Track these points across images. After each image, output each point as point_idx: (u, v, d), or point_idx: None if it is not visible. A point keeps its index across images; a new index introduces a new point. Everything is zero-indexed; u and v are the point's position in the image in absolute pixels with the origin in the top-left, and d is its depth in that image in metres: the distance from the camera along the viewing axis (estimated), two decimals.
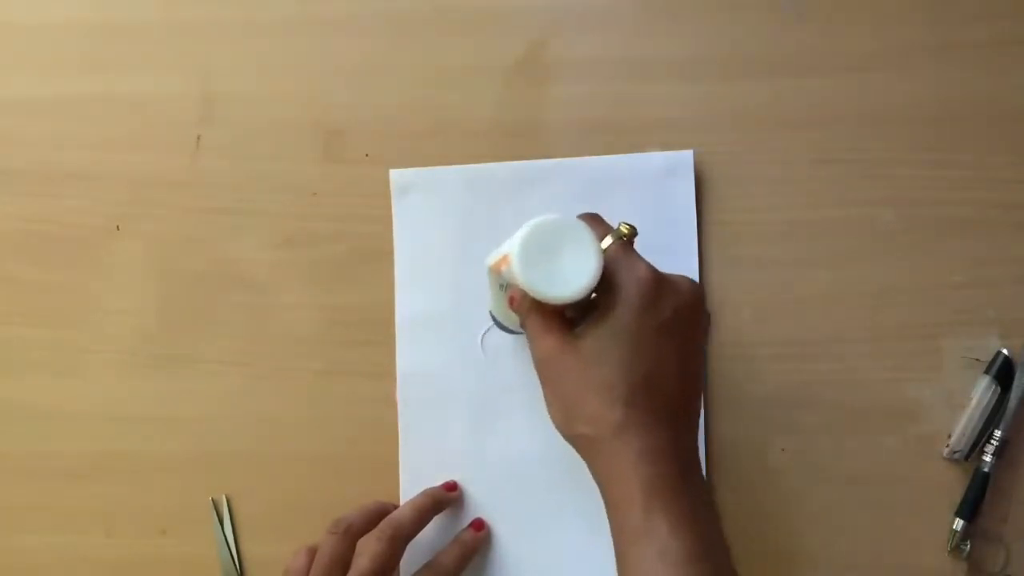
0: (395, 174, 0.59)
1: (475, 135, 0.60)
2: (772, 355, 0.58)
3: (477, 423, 0.58)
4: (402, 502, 0.57)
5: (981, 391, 0.56)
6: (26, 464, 0.61)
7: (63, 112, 0.62)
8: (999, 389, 0.56)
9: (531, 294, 0.42)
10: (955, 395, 0.57)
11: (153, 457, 0.60)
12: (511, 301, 0.48)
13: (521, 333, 0.54)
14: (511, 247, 0.43)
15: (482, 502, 0.58)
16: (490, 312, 0.57)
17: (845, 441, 0.57)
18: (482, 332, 0.58)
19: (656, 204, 0.58)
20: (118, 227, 0.61)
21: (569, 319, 0.46)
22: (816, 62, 0.59)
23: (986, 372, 0.56)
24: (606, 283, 0.43)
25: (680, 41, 0.59)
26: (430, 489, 0.57)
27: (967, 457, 0.56)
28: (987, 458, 0.55)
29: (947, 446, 0.56)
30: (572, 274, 0.42)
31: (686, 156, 0.58)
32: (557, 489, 0.57)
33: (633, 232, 0.45)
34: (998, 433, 0.55)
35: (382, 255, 0.59)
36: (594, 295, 0.44)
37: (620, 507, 0.42)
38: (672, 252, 0.58)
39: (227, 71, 0.61)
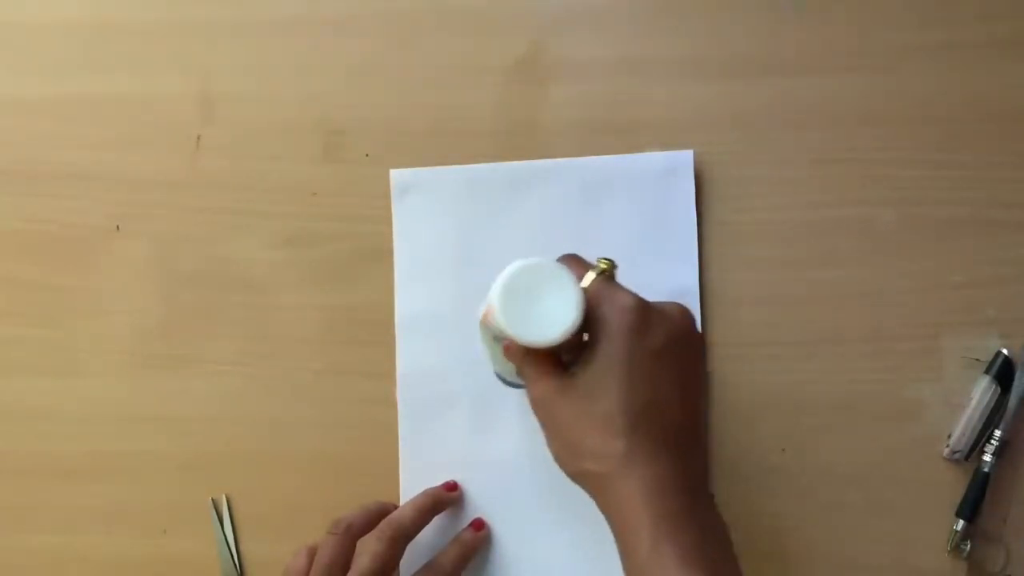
0: (395, 174, 0.59)
1: (475, 135, 0.60)
2: (772, 355, 0.58)
3: (477, 423, 0.58)
4: (402, 502, 0.57)
5: (981, 391, 0.56)
6: (26, 464, 0.61)
7: (63, 112, 0.62)
8: (999, 389, 0.56)
9: (517, 341, 0.42)
10: (955, 395, 0.57)
11: (153, 457, 0.60)
12: (506, 351, 0.47)
13: (522, 386, 0.54)
14: (491, 296, 0.43)
15: (482, 502, 0.58)
16: (494, 372, 0.56)
17: (845, 441, 0.57)
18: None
19: (656, 204, 0.58)
20: (118, 227, 0.61)
21: (565, 363, 0.46)
22: (816, 62, 0.59)
23: (986, 372, 0.56)
24: (592, 320, 0.43)
25: (680, 41, 0.59)
26: (430, 489, 0.57)
27: (967, 457, 0.56)
28: (987, 458, 0.55)
29: (947, 446, 0.56)
30: (555, 316, 0.42)
31: (686, 156, 0.58)
32: (557, 489, 0.57)
33: (612, 266, 0.45)
34: (998, 433, 0.55)
35: (382, 255, 0.59)
36: (586, 336, 0.44)
37: (628, 540, 0.42)
38: (672, 252, 0.58)
39: (227, 71, 0.61)
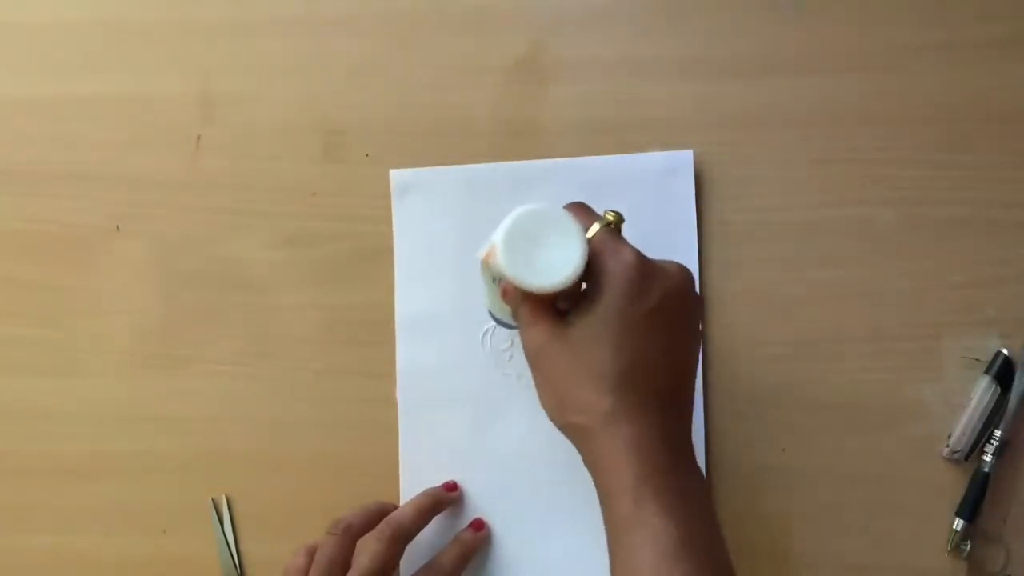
0: (395, 174, 0.59)
1: (475, 135, 0.60)
2: (772, 355, 0.58)
3: (477, 423, 0.58)
4: (402, 502, 0.57)
5: (981, 391, 0.56)
6: (26, 464, 0.61)
7: (63, 112, 0.62)
8: (999, 389, 0.56)
9: (517, 284, 0.42)
10: (955, 395, 0.57)
11: (153, 457, 0.60)
12: (503, 293, 0.48)
13: (515, 327, 0.54)
14: (495, 238, 0.43)
15: (482, 502, 0.58)
16: (487, 308, 0.56)
17: (845, 441, 0.57)
18: (482, 332, 0.58)
19: (656, 204, 0.58)
20: (118, 227, 0.61)
21: (561, 310, 0.46)
22: (816, 62, 0.59)
23: (986, 372, 0.56)
24: (593, 270, 0.43)
25: (680, 41, 0.59)
26: (430, 489, 0.57)
27: (967, 457, 0.56)
28: (987, 458, 0.55)
29: (947, 446, 0.56)
30: (557, 263, 0.42)
31: (686, 156, 0.58)
32: (557, 489, 0.57)
33: (619, 219, 0.45)
34: (998, 433, 0.55)
35: (382, 255, 0.59)
36: (584, 285, 0.44)
37: (611, 496, 0.42)
38: (672, 252, 0.57)
39: (227, 71, 0.61)
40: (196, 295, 0.60)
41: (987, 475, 0.55)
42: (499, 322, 0.56)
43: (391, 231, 0.59)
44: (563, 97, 0.60)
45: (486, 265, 0.48)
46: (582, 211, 0.47)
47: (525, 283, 0.42)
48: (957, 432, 0.56)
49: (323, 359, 0.60)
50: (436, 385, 0.58)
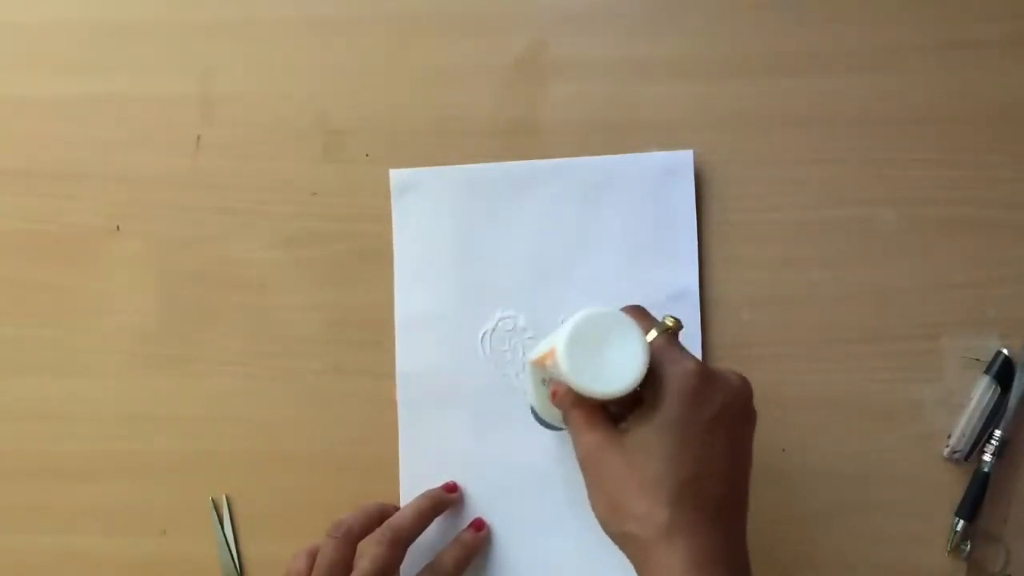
0: (395, 174, 0.59)
1: (475, 135, 0.60)
2: (772, 355, 0.58)
3: (477, 423, 0.58)
4: (402, 502, 0.57)
5: (981, 391, 0.56)
6: (26, 464, 0.61)
7: (63, 112, 0.62)
8: (999, 389, 0.56)
9: (577, 389, 0.41)
10: (955, 395, 0.57)
11: (153, 457, 0.60)
12: (553, 395, 0.47)
13: (562, 429, 0.53)
14: (557, 342, 0.42)
15: (482, 502, 0.58)
16: (530, 407, 0.55)
17: (845, 441, 0.57)
18: (481, 332, 0.58)
19: (656, 204, 0.58)
20: (118, 227, 0.61)
21: (613, 414, 0.45)
22: (816, 62, 0.59)
23: (986, 372, 0.56)
24: (651, 377, 0.42)
25: (680, 41, 0.59)
26: (430, 491, 0.57)
27: (967, 457, 0.56)
28: (987, 458, 0.55)
29: (947, 446, 0.56)
30: (619, 368, 0.41)
31: (686, 156, 0.58)
32: (557, 489, 0.57)
33: (678, 325, 0.44)
34: (998, 433, 0.55)
35: (382, 255, 0.59)
36: (638, 388, 0.43)
37: None
38: (672, 252, 0.58)
39: (227, 71, 0.61)
40: (196, 295, 0.60)
41: (987, 475, 0.55)
42: (543, 423, 0.55)
43: (391, 231, 0.59)
44: (563, 97, 0.60)
45: (538, 367, 0.48)
46: (639, 314, 0.46)
47: (586, 388, 0.41)
48: (957, 432, 0.56)
49: (323, 359, 0.60)
50: (436, 385, 0.58)
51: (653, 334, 0.43)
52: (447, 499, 0.57)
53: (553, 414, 0.49)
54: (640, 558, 0.42)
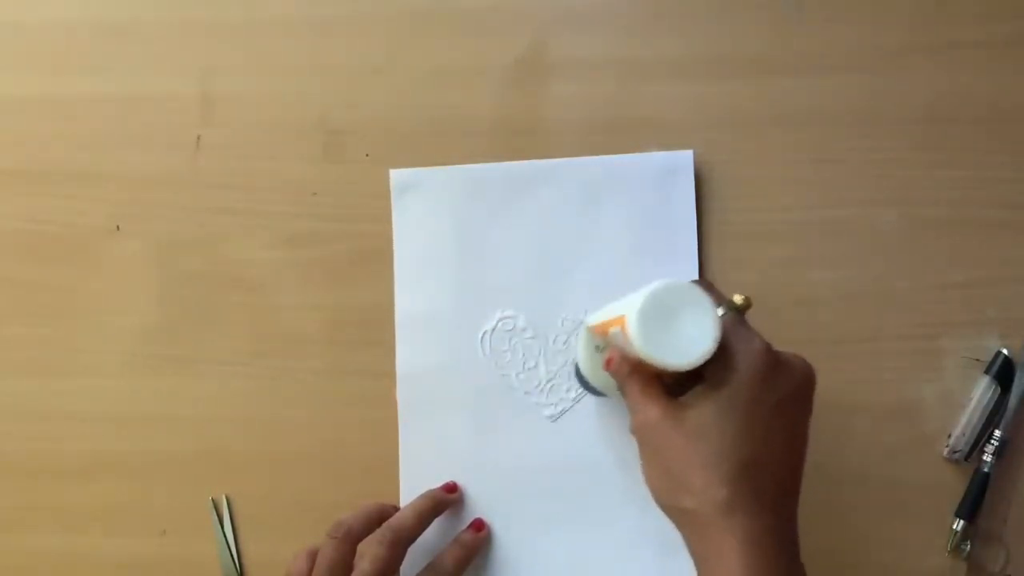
0: (395, 174, 0.59)
1: (475, 135, 0.60)
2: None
3: (477, 423, 0.58)
4: (402, 502, 0.57)
5: (981, 391, 0.56)
6: (26, 464, 0.61)
7: (63, 112, 0.62)
8: (999, 389, 0.56)
9: (647, 360, 0.41)
10: (955, 395, 0.57)
11: (153, 457, 0.60)
12: (608, 363, 0.47)
13: (604, 395, 0.54)
14: (629, 310, 0.41)
15: (482, 502, 0.58)
16: (576, 369, 0.55)
17: (845, 441, 0.57)
18: (481, 332, 0.58)
19: (656, 204, 0.58)
20: (118, 227, 0.61)
21: (667, 385, 0.45)
22: (816, 62, 0.59)
23: (986, 372, 0.56)
24: (718, 353, 0.41)
25: (680, 41, 0.59)
26: (430, 491, 0.57)
27: (967, 457, 0.56)
28: (987, 458, 0.55)
29: (947, 446, 0.56)
30: (689, 342, 0.40)
31: (686, 156, 0.58)
32: (557, 489, 0.57)
33: (748, 304, 0.44)
34: (998, 433, 0.55)
35: (382, 255, 0.59)
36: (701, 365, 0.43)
37: None
38: (672, 252, 0.58)
39: (227, 71, 0.61)
40: (196, 295, 0.60)
41: (987, 475, 0.55)
42: (587, 387, 0.54)
43: (391, 231, 0.59)
44: (563, 97, 0.60)
45: (596, 333, 0.48)
46: (710, 290, 0.45)
47: (657, 359, 0.40)
48: (957, 432, 0.56)
49: (323, 359, 0.60)
50: (436, 385, 0.58)
51: (722, 311, 0.43)
52: (447, 499, 0.57)
53: (602, 380, 0.49)
54: (695, 533, 0.42)
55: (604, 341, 0.47)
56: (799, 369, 0.43)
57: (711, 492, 0.41)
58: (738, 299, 0.44)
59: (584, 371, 0.53)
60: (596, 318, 0.48)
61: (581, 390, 0.57)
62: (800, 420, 0.44)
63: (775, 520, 0.41)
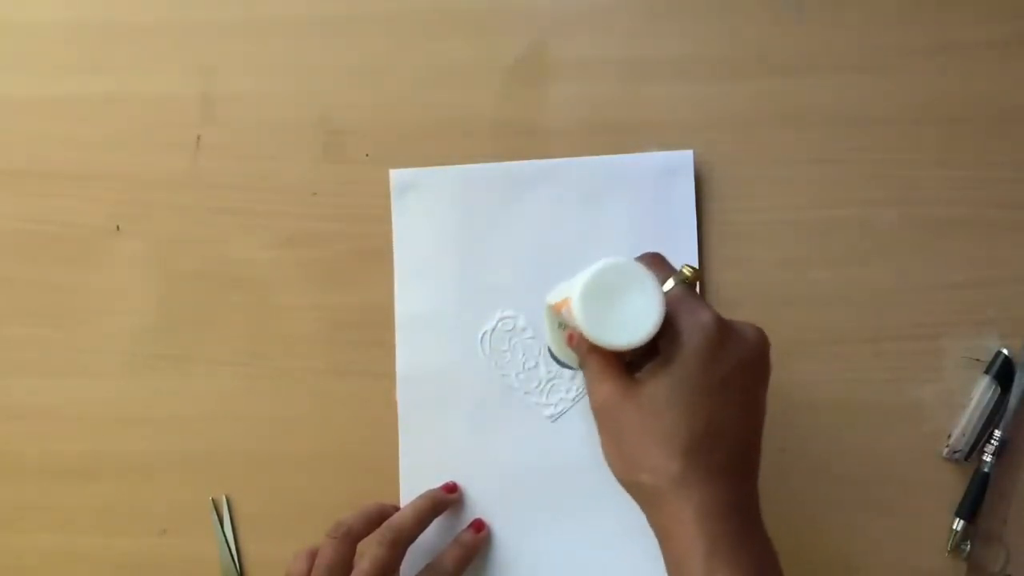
0: (395, 174, 0.59)
1: (475, 135, 0.60)
2: (772, 355, 0.57)
3: (477, 423, 0.58)
4: (402, 502, 0.57)
5: (981, 391, 0.56)
6: (26, 464, 0.61)
7: (63, 112, 0.62)
8: (999, 389, 0.56)
9: (592, 340, 0.41)
10: (955, 395, 0.57)
11: (153, 457, 0.60)
12: (569, 339, 0.47)
13: (578, 369, 0.53)
14: (572, 291, 0.42)
15: (482, 502, 0.58)
16: (547, 346, 0.55)
17: (845, 441, 0.57)
18: (481, 332, 0.58)
19: (656, 204, 0.58)
20: (118, 227, 0.61)
21: (628, 362, 0.45)
22: (816, 62, 0.59)
23: (986, 372, 0.56)
24: (668, 328, 0.42)
25: (680, 41, 0.59)
26: (430, 491, 0.57)
27: (967, 457, 0.56)
28: (987, 458, 0.55)
29: (947, 446, 0.56)
30: (634, 320, 0.41)
31: (686, 156, 0.58)
32: (557, 489, 0.57)
33: (697, 275, 0.44)
34: (998, 433, 0.55)
35: (382, 255, 0.59)
36: (655, 339, 0.43)
37: (680, 564, 0.41)
38: (672, 252, 0.57)
39: (227, 71, 0.61)
40: (196, 295, 0.60)
41: (987, 475, 0.55)
42: (559, 363, 0.54)
43: (391, 231, 0.59)
44: (563, 97, 0.60)
45: (554, 311, 0.48)
46: (658, 263, 0.46)
47: (600, 340, 0.41)
48: (957, 432, 0.56)
49: (323, 359, 0.60)
50: (436, 385, 0.58)
51: (670, 283, 0.43)
52: (447, 499, 0.57)
53: (570, 355, 0.49)
54: (651, 507, 0.43)
55: (563, 320, 0.47)
56: (751, 338, 0.43)
57: (666, 466, 0.41)
58: (686, 271, 0.44)
59: (551, 346, 0.53)
60: (553, 297, 0.48)
61: (581, 390, 0.57)
62: (753, 388, 0.44)
63: (730, 490, 0.42)
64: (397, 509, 0.56)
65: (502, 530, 0.58)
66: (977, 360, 0.57)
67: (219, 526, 0.59)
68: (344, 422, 0.59)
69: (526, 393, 0.57)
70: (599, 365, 0.45)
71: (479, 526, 0.57)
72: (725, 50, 0.59)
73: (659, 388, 0.42)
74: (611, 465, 0.44)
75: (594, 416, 0.45)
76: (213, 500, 0.60)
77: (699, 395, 0.42)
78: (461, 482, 0.58)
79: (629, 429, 0.43)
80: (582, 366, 0.46)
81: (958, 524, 0.55)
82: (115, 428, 0.60)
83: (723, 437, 0.42)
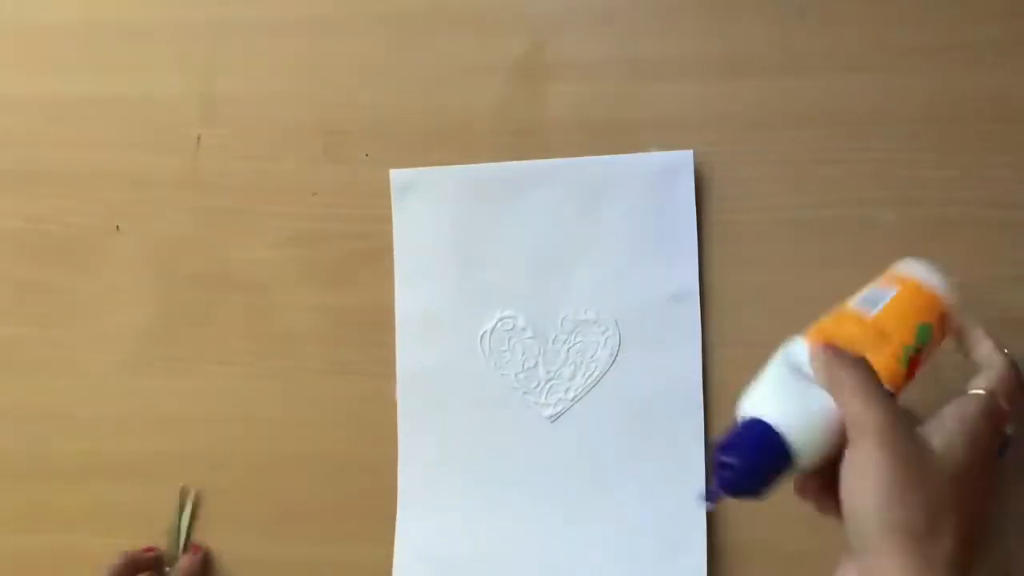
0: (395, 174, 0.59)
1: (475, 135, 0.60)
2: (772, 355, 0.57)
3: (477, 423, 0.58)
4: (401, 502, 0.57)
5: None
6: (26, 464, 0.61)
7: (63, 112, 0.62)
8: None
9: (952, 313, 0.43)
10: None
11: (153, 457, 0.60)
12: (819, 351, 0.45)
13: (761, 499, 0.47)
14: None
15: (482, 502, 0.58)
16: (722, 455, 0.44)
17: None
18: (481, 332, 0.58)
19: (656, 204, 0.58)
20: (118, 227, 0.61)
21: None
22: (816, 62, 0.59)
23: None
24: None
25: (680, 41, 0.59)
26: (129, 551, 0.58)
27: None
28: None
29: None
30: None
31: (686, 156, 0.58)
32: (556, 489, 0.57)
33: None
34: None
35: (382, 255, 0.59)
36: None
37: None
38: (672, 252, 0.58)
39: (227, 71, 0.61)
40: (196, 295, 0.60)
41: None
42: (748, 487, 0.45)
43: (391, 231, 0.59)
44: (563, 97, 0.60)
45: (812, 341, 0.46)
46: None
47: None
48: None
49: (323, 359, 0.60)
50: (436, 385, 0.58)
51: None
52: (143, 559, 0.58)
53: (805, 431, 0.43)
54: (872, 549, 0.41)
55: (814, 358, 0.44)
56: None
57: (926, 529, 0.40)
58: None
59: (778, 420, 0.43)
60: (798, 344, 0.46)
61: (580, 390, 0.57)
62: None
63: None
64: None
65: (501, 529, 0.57)
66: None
67: (178, 513, 0.59)
68: (344, 422, 0.59)
69: (525, 393, 0.57)
70: (874, 381, 0.43)
71: (196, 550, 0.59)
72: (725, 50, 0.59)
73: (950, 463, 0.42)
74: (850, 488, 0.42)
75: (863, 440, 0.42)
76: (181, 489, 0.59)
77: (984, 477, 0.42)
78: (461, 481, 0.58)
79: (905, 474, 0.40)
80: (830, 383, 0.44)
81: None
82: (114, 428, 0.60)
83: (977, 527, 0.42)
